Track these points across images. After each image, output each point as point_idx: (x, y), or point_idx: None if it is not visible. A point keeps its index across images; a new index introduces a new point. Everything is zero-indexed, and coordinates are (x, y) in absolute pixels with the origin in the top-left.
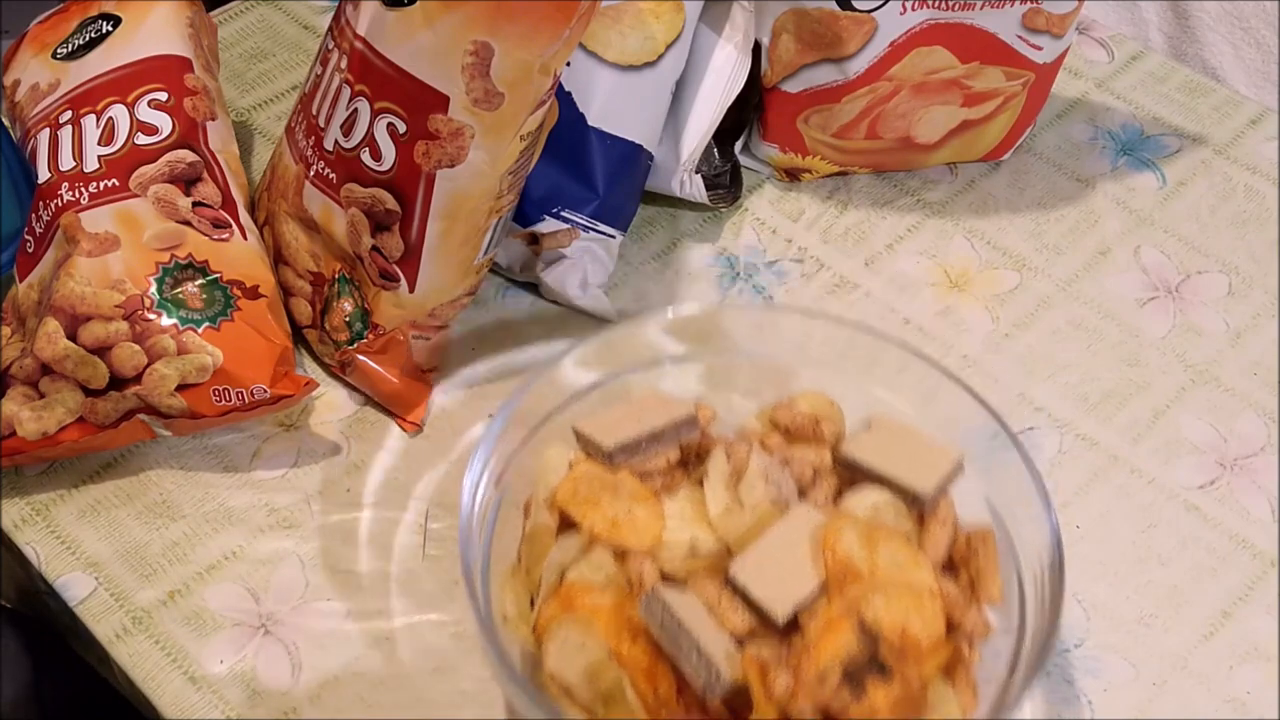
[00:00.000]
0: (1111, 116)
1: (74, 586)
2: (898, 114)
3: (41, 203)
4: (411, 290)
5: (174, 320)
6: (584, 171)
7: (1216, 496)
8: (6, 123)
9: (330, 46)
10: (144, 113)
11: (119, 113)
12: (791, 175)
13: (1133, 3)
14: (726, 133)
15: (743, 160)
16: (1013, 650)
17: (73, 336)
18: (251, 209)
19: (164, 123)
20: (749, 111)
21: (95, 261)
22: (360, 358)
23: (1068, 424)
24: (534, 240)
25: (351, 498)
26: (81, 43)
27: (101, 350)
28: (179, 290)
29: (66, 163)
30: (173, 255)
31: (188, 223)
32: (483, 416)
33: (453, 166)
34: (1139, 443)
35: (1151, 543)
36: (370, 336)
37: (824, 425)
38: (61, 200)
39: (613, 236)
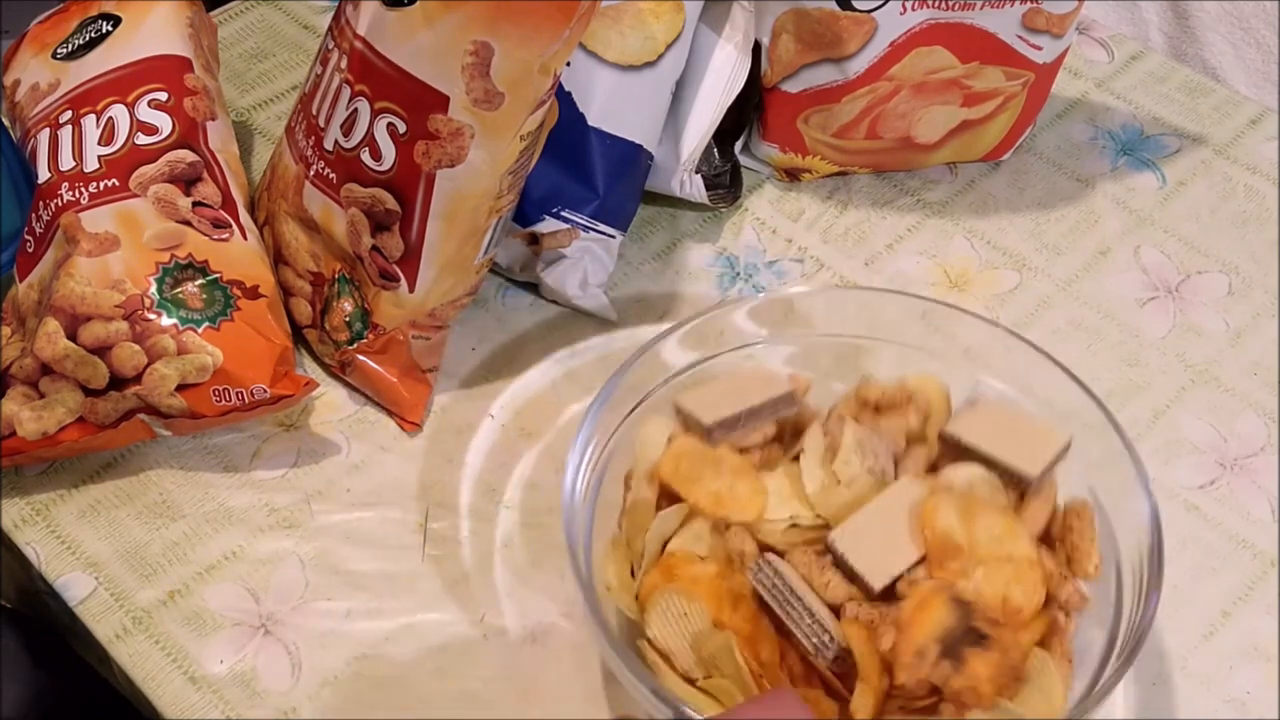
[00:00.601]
0: (1111, 116)
1: (74, 586)
2: (898, 114)
3: (41, 203)
4: (411, 290)
5: (174, 320)
6: (584, 171)
7: (1216, 496)
8: (6, 123)
9: (330, 46)
10: (144, 113)
11: (119, 113)
12: (791, 175)
13: (1133, 3)
14: (726, 133)
15: (743, 160)
16: (1108, 636)
17: (73, 336)
18: (251, 209)
19: (164, 123)
20: (749, 111)
21: (95, 261)
22: (360, 358)
23: None
24: (534, 240)
25: (351, 498)
26: (82, 42)
27: (101, 350)
28: (179, 290)
29: (66, 163)
30: (173, 255)
31: (188, 223)
32: (483, 416)
33: (453, 166)
34: (1139, 443)
35: None
36: (370, 336)
37: (916, 399)
38: (61, 200)
39: (613, 236)
